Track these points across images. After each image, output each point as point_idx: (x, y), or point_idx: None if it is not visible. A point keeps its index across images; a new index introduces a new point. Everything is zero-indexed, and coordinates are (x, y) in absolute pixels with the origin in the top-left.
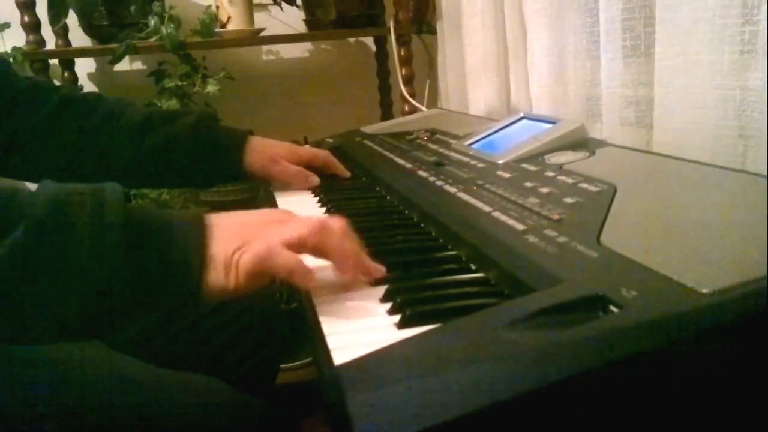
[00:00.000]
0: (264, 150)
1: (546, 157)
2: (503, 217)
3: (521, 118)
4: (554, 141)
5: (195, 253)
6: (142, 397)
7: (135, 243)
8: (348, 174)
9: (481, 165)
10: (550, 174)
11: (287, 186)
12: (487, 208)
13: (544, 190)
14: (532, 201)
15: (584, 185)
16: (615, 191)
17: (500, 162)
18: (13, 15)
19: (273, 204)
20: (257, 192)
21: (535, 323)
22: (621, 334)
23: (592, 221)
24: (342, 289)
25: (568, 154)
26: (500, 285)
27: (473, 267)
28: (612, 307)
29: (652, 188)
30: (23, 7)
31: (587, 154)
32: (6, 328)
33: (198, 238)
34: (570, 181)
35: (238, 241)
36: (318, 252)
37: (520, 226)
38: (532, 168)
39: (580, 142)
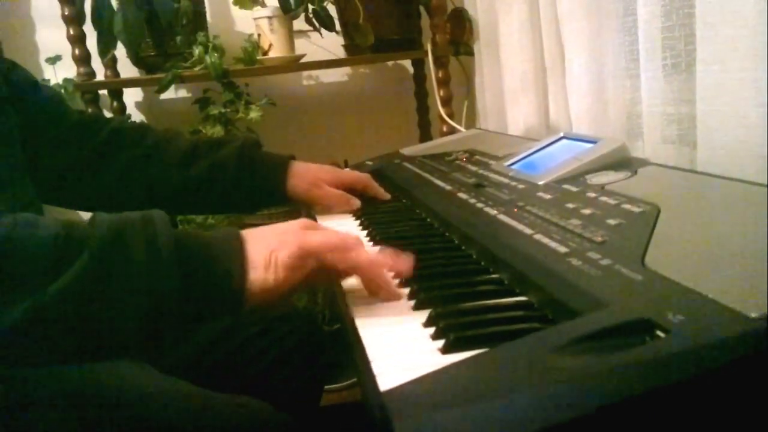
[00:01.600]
0: (306, 174)
1: (587, 177)
2: (545, 240)
3: (561, 138)
4: (595, 161)
5: (235, 261)
6: (189, 418)
7: (184, 262)
8: (388, 196)
9: (521, 186)
10: (592, 195)
11: (329, 209)
12: (528, 231)
13: (586, 211)
14: (574, 223)
15: (627, 206)
16: (659, 212)
17: (541, 183)
18: (65, 48)
19: None
20: (299, 215)
21: (582, 348)
22: (669, 360)
23: (636, 243)
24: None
25: (610, 174)
26: (543, 309)
27: (516, 290)
28: (659, 332)
29: (696, 208)
30: (74, 40)
31: (629, 173)
32: (69, 347)
33: (236, 248)
34: (612, 201)
35: (273, 243)
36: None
37: (562, 249)
38: (574, 189)
39: (622, 162)
